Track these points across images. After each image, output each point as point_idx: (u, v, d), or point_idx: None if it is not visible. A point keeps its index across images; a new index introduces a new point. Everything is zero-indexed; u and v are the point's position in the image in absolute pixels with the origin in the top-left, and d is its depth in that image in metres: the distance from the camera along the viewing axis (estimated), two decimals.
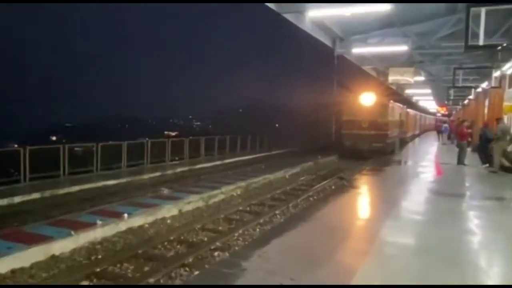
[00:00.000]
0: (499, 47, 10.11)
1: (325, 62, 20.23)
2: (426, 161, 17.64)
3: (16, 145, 18.30)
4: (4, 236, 7.24)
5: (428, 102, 50.90)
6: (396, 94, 30.92)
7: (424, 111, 55.93)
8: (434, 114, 63.40)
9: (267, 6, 11.13)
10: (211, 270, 5.29)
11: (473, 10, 6.75)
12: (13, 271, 5.93)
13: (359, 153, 20.44)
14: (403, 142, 27.42)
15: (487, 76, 20.15)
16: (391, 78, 20.98)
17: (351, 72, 22.84)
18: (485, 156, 14.72)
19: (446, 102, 41.01)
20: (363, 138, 20.37)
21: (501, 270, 5.09)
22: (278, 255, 5.22)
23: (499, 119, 14.82)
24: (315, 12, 11.42)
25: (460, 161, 14.98)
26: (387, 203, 8.74)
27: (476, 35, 6.93)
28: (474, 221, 7.41)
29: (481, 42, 6.75)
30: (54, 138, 57.24)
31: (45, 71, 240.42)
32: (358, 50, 16.77)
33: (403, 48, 15.88)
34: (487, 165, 13.96)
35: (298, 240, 5.96)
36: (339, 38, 16.51)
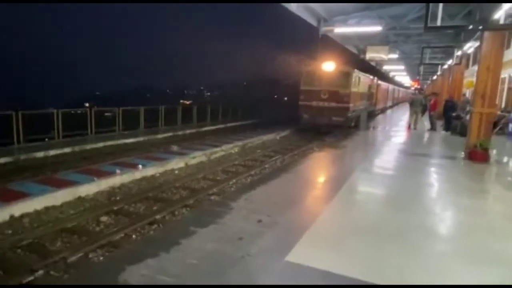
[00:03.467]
0: (459, 28, 9.86)
1: (312, 41, 19.56)
2: (398, 127, 17.59)
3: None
4: (39, 181, 7.45)
5: (402, 77, 50.34)
6: (374, 69, 30.30)
7: (399, 85, 55.17)
8: (408, 88, 62.52)
9: None
10: (206, 209, 5.44)
11: None
12: (46, 208, 6.14)
13: (317, 128, 16.50)
14: (372, 115, 22.99)
15: (452, 55, 19.78)
16: (368, 55, 20.44)
17: (334, 49, 21.93)
18: (446, 122, 14.81)
19: (418, 77, 40.49)
20: (322, 111, 15.79)
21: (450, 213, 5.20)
22: (260, 198, 5.35)
23: (421, 90, 16.20)
24: None
25: (432, 127, 15.19)
26: (359, 159, 8.86)
27: (436, 17, 6.78)
28: (433, 175, 7.48)
29: (439, 23, 6.62)
30: (87, 104, 56.80)
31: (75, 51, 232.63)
32: (339, 30, 16.41)
33: (377, 28, 15.56)
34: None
35: (278, 187, 6.10)
36: (323, 19, 16.09)
